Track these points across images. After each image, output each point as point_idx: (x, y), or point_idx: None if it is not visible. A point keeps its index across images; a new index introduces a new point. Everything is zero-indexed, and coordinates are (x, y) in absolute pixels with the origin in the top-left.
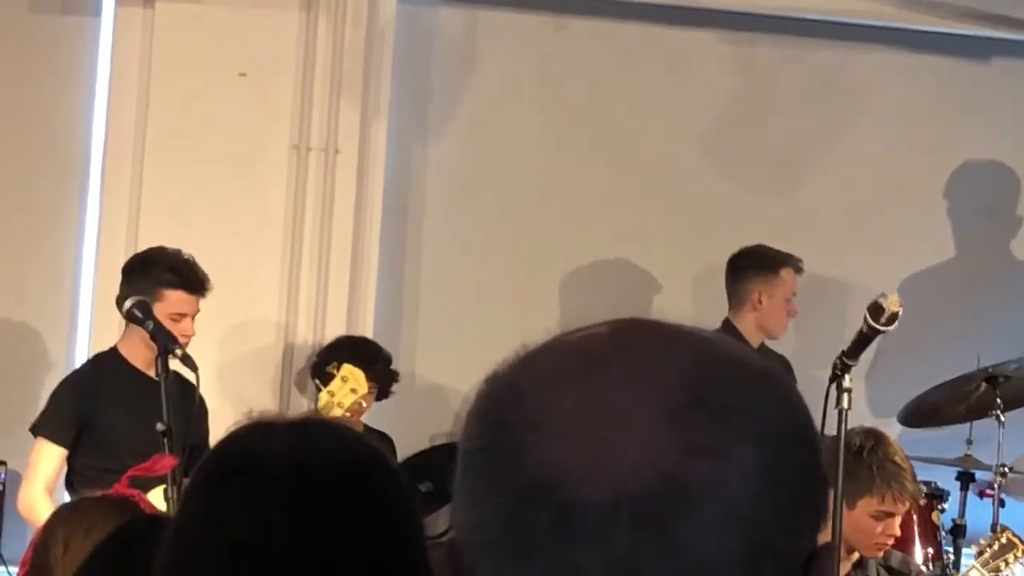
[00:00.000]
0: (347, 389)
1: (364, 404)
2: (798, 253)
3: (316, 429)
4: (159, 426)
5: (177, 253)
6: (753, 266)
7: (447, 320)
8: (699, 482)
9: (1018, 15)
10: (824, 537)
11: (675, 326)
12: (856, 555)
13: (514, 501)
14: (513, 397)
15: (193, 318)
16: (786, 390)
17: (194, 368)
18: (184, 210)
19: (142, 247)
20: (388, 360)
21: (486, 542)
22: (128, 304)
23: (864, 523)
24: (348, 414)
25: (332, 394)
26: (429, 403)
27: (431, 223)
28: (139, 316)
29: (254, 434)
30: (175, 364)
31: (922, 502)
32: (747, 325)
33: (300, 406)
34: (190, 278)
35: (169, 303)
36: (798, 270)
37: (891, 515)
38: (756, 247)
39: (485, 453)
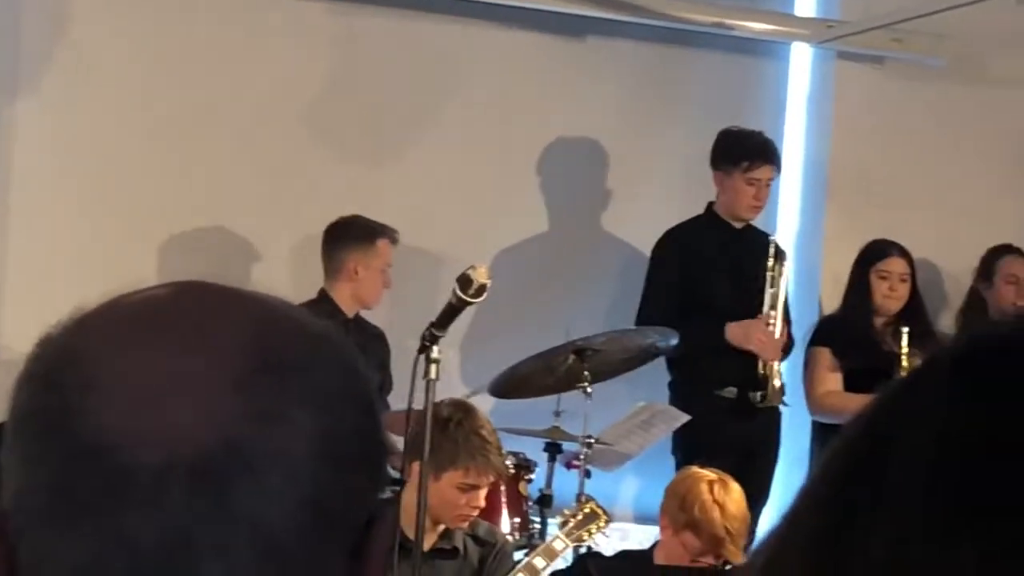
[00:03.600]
0: None
1: None
2: (395, 224)
3: None
4: None
5: None
6: (349, 236)
7: (36, 286)
8: (258, 446)
9: None
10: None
11: (238, 290)
12: (442, 526)
13: (65, 466)
14: (67, 358)
15: None
16: (347, 355)
17: None
18: None
19: None
20: None
21: (34, 508)
22: None
23: (449, 494)
24: None
25: None
26: (15, 371)
27: (20, 186)
28: None
29: None
30: None
31: (510, 472)
32: (343, 295)
33: None
34: None
35: None
36: (394, 241)
37: (476, 487)
38: (353, 217)
39: (36, 417)
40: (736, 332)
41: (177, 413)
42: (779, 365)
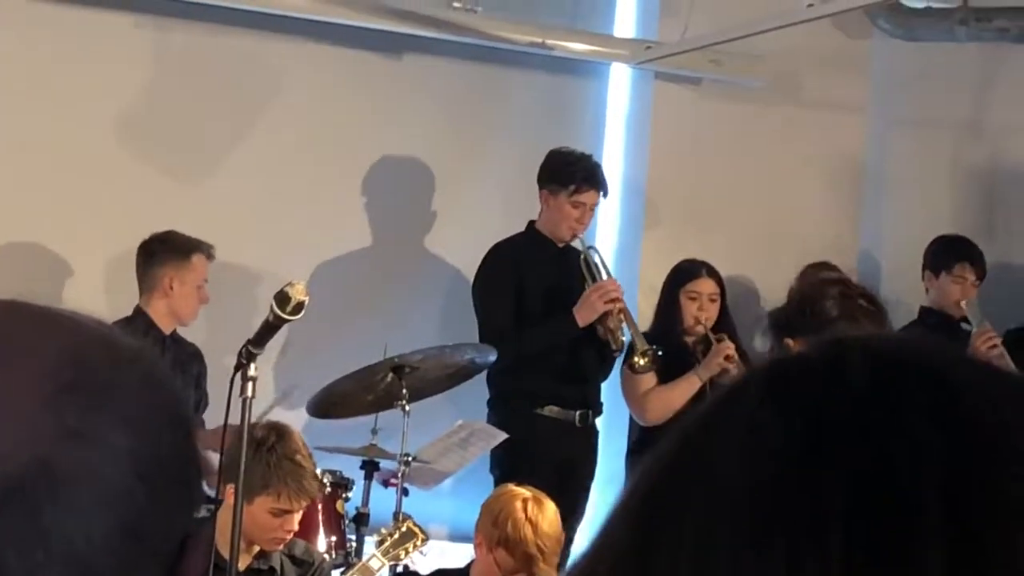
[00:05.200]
0: None
1: None
2: (211, 240)
3: None
4: None
5: None
6: (165, 251)
7: None
8: (70, 467)
9: (425, 12)
10: (225, 526)
11: (49, 309)
12: (256, 547)
13: None
14: None
15: None
16: (159, 373)
17: None
18: None
19: None
20: None
21: None
22: None
23: (262, 518)
24: None
25: None
26: None
27: None
28: None
29: None
30: None
31: (326, 492)
32: (158, 311)
33: None
34: None
35: None
36: (209, 256)
37: (288, 512)
38: (167, 233)
39: None
40: (580, 310)
41: None
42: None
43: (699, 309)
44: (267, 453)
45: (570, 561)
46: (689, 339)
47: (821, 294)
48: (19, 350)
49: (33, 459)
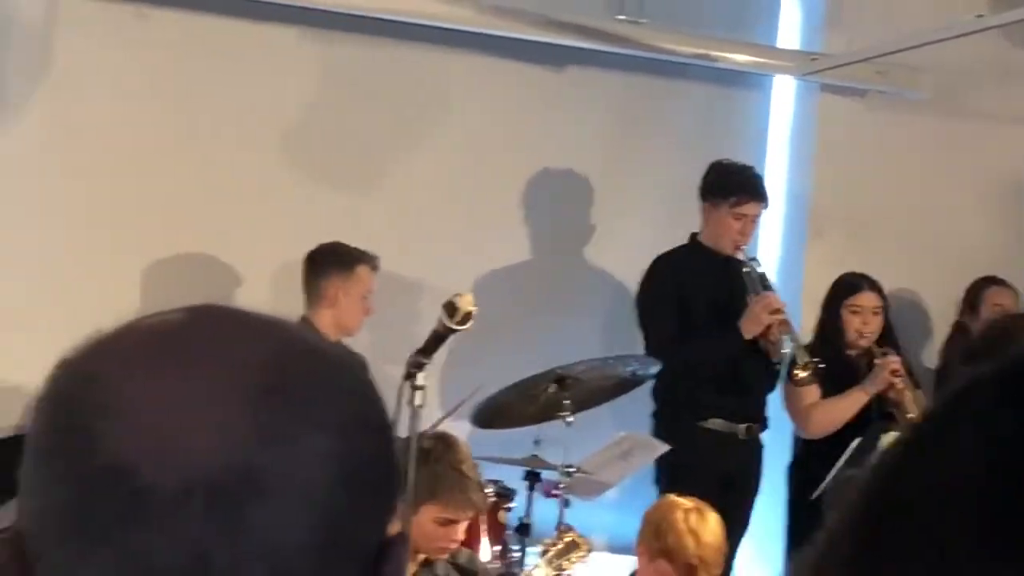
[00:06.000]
0: None
1: None
2: (375, 251)
3: None
4: None
5: None
6: (330, 263)
7: (15, 312)
8: (274, 469)
9: (590, 24)
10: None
11: (254, 314)
12: (422, 556)
13: (84, 488)
14: (85, 382)
15: None
16: (362, 380)
17: None
18: None
19: None
20: None
21: (53, 529)
22: None
23: (427, 527)
24: None
25: None
26: None
27: (3, 211)
28: None
29: None
30: None
31: (490, 503)
32: (324, 322)
33: None
34: None
35: None
36: (374, 268)
37: (454, 522)
38: (333, 244)
39: (55, 439)
40: (746, 322)
41: (193, 436)
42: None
43: (862, 323)
44: (434, 463)
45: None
46: (852, 353)
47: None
48: (223, 354)
49: (237, 461)
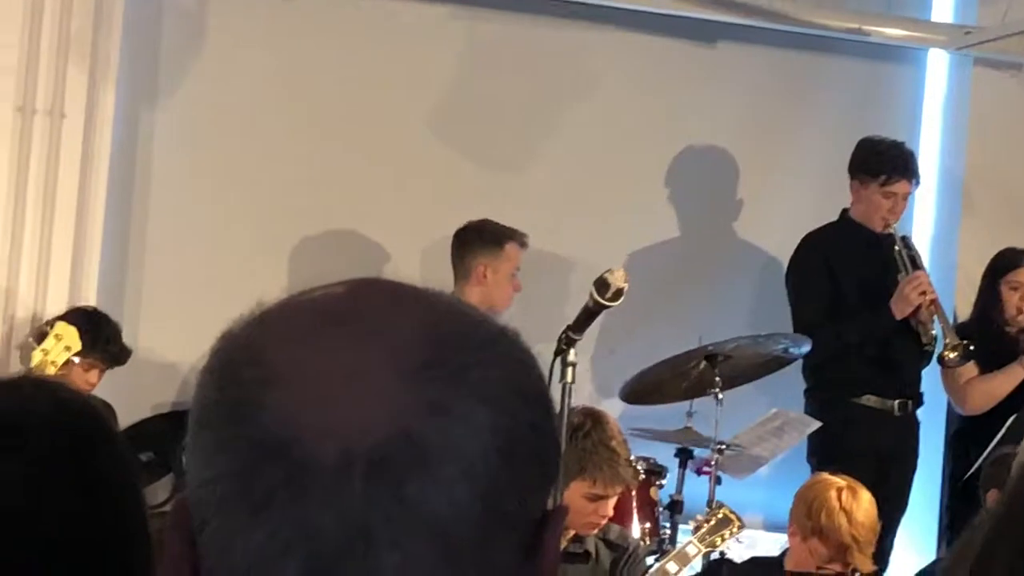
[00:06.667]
0: (61, 347)
1: (94, 380)
2: (524, 228)
3: (31, 389)
4: None
5: None
6: (478, 241)
7: (173, 289)
8: (433, 440)
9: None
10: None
11: (412, 287)
12: (572, 531)
13: (247, 458)
14: (248, 353)
15: None
16: (521, 352)
17: None
18: None
19: None
20: (118, 334)
21: (218, 499)
22: None
23: (577, 503)
24: (63, 373)
25: (46, 352)
26: (152, 371)
27: (158, 190)
28: None
29: None
30: None
31: (641, 478)
32: (472, 299)
33: None
34: None
35: None
36: (523, 245)
37: (604, 498)
38: (482, 221)
39: (218, 410)
40: (896, 303)
41: (354, 406)
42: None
43: (1021, 299)
44: (583, 439)
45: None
46: (1010, 329)
47: None
48: (380, 326)
49: (396, 432)
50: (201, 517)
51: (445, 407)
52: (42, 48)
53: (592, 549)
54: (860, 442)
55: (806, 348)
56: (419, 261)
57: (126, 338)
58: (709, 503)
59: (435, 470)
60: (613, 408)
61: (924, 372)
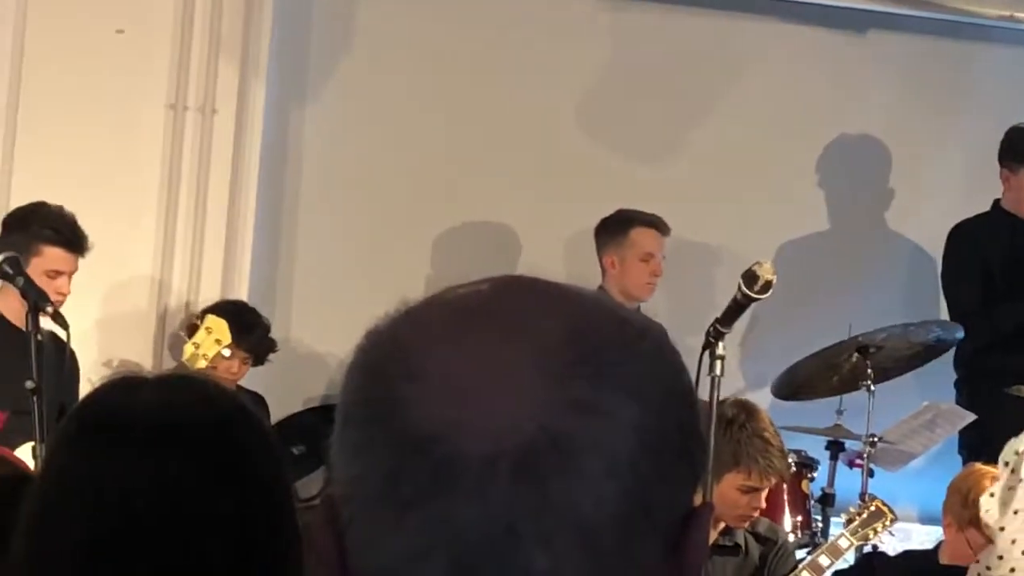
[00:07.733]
0: (212, 340)
1: (236, 370)
2: (671, 220)
3: (183, 384)
4: (28, 384)
5: (59, 210)
6: (604, 232)
7: (323, 282)
8: (579, 438)
9: None
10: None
11: (557, 284)
12: (723, 524)
13: (394, 455)
14: (394, 350)
15: (70, 277)
16: (666, 349)
17: (65, 326)
18: (59, 169)
19: (15, 205)
20: (267, 328)
21: (364, 496)
22: None
23: (730, 495)
24: (213, 366)
25: (197, 345)
26: (303, 365)
27: (308, 185)
28: (9, 272)
29: (119, 389)
30: (48, 322)
31: (792, 471)
32: (613, 291)
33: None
34: (70, 236)
35: (46, 259)
36: (653, 227)
37: (757, 490)
38: (616, 212)
39: (365, 406)
40: None
41: (500, 404)
42: None
43: None
44: (737, 430)
45: None
46: None
47: None
48: (529, 324)
49: (541, 430)
50: (349, 513)
51: (590, 405)
52: (193, 46)
53: (742, 542)
54: (1012, 433)
55: (959, 335)
56: (562, 254)
57: (277, 331)
58: (862, 496)
59: (581, 468)
60: (761, 402)
61: None
